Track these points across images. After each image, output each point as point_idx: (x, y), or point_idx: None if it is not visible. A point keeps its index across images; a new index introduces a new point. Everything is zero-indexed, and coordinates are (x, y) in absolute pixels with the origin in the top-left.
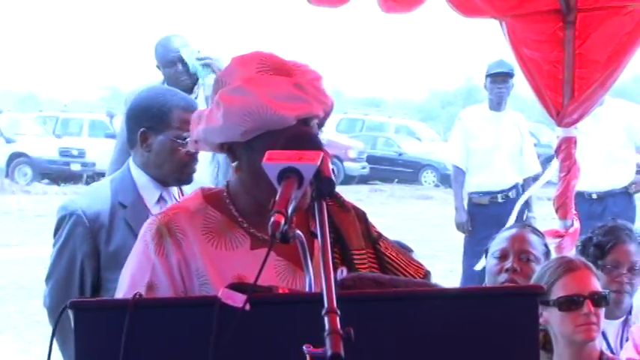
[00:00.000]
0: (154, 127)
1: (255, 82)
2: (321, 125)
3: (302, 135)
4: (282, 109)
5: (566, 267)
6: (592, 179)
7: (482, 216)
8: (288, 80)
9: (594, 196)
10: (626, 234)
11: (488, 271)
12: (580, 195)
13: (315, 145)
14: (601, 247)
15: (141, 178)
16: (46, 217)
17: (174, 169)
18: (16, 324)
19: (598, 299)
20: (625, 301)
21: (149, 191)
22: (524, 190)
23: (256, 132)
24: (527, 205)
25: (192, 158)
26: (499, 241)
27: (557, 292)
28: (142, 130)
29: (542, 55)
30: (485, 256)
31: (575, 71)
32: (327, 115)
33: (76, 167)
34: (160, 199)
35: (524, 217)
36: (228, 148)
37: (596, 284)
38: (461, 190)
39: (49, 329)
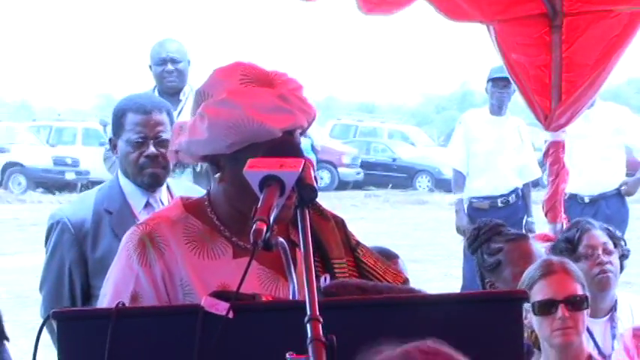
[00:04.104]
0: (116, 133)
1: (239, 94)
2: (303, 133)
3: (283, 143)
4: (268, 120)
5: (544, 270)
6: (584, 181)
7: None
8: (271, 91)
9: (586, 199)
10: (587, 222)
11: None
12: (572, 198)
13: (297, 152)
14: (570, 241)
15: (127, 185)
16: (40, 226)
17: (135, 172)
18: (11, 333)
19: (574, 303)
20: (609, 295)
21: (136, 198)
22: (524, 195)
23: (242, 144)
24: (526, 209)
25: (149, 160)
26: None
27: (535, 296)
28: (109, 137)
29: (529, 59)
30: None
31: (562, 75)
32: (310, 124)
33: (70, 176)
34: (147, 204)
35: (524, 221)
36: (211, 160)
37: (574, 287)
38: (461, 193)
39: (46, 338)
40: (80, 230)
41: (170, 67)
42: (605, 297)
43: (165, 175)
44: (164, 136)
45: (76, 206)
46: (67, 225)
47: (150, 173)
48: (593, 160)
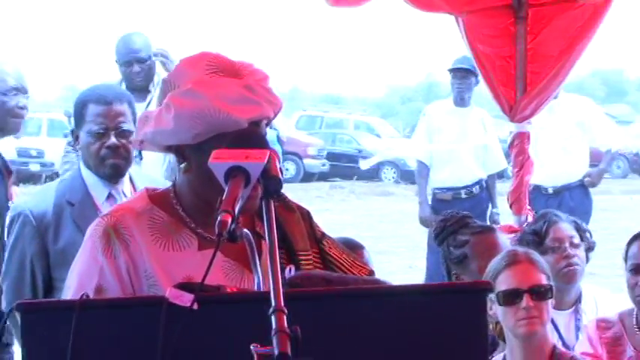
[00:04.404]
0: (78, 124)
1: (205, 84)
2: (268, 124)
3: (249, 134)
4: (235, 111)
5: (508, 261)
6: (547, 173)
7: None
8: (238, 82)
9: (550, 190)
10: (554, 214)
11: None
12: (536, 189)
13: (262, 143)
14: (537, 233)
15: (89, 177)
16: None
17: (96, 164)
18: None
19: (539, 292)
20: (575, 287)
21: (98, 189)
22: (488, 186)
23: (207, 135)
24: (491, 200)
25: (110, 151)
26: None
27: (499, 286)
28: (71, 129)
29: (495, 50)
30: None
31: (527, 66)
32: (276, 115)
33: (35, 167)
34: (110, 196)
35: (489, 213)
36: (176, 150)
37: (539, 277)
38: (425, 185)
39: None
40: (42, 222)
41: (137, 68)
42: (570, 290)
43: (127, 166)
44: (125, 126)
45: (38, 198)
46: (28, 217)
47: (111, 164)
48: (556, 152)
